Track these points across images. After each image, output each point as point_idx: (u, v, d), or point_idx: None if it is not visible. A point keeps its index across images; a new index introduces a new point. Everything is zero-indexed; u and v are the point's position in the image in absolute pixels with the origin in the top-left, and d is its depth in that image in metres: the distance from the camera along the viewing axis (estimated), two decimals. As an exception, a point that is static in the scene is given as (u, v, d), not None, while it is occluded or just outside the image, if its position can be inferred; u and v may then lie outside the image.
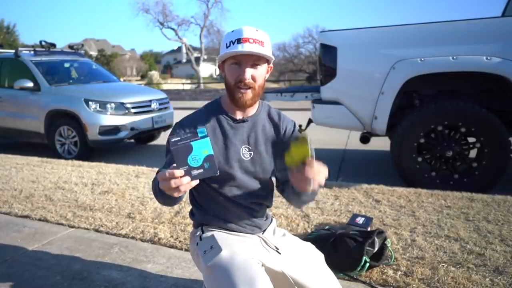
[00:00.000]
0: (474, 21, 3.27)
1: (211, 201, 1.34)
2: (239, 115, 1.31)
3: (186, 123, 1.30)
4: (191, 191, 1.41)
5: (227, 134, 1.29)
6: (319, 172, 1.08)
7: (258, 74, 1.23)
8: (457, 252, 2.11)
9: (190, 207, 1.44)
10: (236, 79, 1.21)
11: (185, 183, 1.00)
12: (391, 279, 1.86)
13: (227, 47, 1.20)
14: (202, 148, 1.01)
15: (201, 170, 1.02)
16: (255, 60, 1.21)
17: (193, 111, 1.37)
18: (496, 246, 2.17)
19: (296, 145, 1.07)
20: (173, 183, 1.00)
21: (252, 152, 1.31)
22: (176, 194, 1.03)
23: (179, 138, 1.01)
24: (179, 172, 0.99)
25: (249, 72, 1.20)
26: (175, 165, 1.02)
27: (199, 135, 1.02)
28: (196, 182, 1.03)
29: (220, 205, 1.33)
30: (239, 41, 1.18)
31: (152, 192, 1.25)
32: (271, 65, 1.30)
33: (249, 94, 1.23)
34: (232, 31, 1.23)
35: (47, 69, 5.93)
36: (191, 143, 1.01)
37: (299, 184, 1.11)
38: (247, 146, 1.31)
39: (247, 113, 1.32)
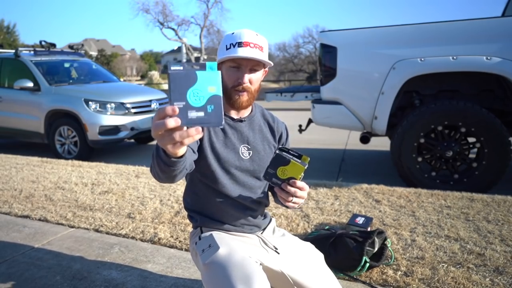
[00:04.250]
0: (474, 21, 3.27)
1: (208, 204, 1.34)
2: (235, 115, 1.32)
3: None
4: (185, 196, 1.41)
5: (227, 133, 1.30)
6: (302, 188, 1.12)
7: (255, 79, 1.25)
8: (457, 252, 2.11)
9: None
10: (234, 82, 1.23)
11: (175, 125, 0.73)
12: (391, 279, 1.86)
13: (226, 49, 1.21)
14: (209, 83, 0.75)
15: (201, 114, 0.74)
16: (254, 65, 1.23)
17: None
18: (496, 246, 2.17)
19: (295, 164, 1.08)
20: (162, 123, 0.73)
21: (251, 151, 1.32)
22: (170, 148, 0.79)
23: (182, 67, 0.75)
24: (170, 108, 0.73)
25: (247, 76, 1.22)
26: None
27: (208, 67, 0.76)
28: (198, 134, 0.77)
29: (218, 207, 1.33)
30: (239, 44, 1.19)
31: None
32: (266, 69, 1.32)
33: (245, 96, 1.25)
34: (232, 33, 1.24)
35: (47, 69, 5.93)
36: (196, 72, 0.75)
37: (280, 194, 1.14)
38: (246, 145, 1.32)
39: (242, 114, 1.33)
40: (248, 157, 1.32)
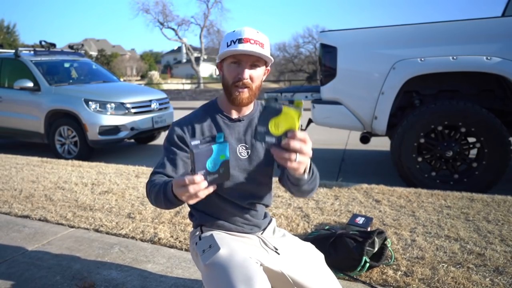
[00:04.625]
0: (474, 21, 3.27)
1: (208, 203, 1.33)
2: (235, 115, 1.32)
3: (183, 123, 1.31)
4: None
5: (224, 133, 1.29)
6: (304, 141, 0.94)
7: (256, 75, 1.24)
8: (457, 252, 2.11)
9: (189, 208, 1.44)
10: (235, 78, 1.22)
11: (203, 188, 0.96)
12: (391, 279, 1.86)
13: (227, 46, 1.21)
14: (221, 152, 0.99)
15: (216, 175, 0.99)
16: (255, 60, 1.22)
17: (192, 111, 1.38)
18: (496, 246, 2.17)
19: (288, 111, 0.92)
20: (192, 189, 0.95)
21: (249, 151, 1.32)
22: (191, 202, 1.00)
23: (198, 141, 0.98)
24: (199, 178, 0.95)
25: (247, 72, 1.22)
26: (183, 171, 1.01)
27: (218, 140, 1.00)
28: (214, 187, 1.00)
29: (218, 207, 1.33)
30: (240, 41, 1.19)
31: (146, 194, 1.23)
32: (268, 67, 1.31)
33: (246, 93, 1.24)
34: (233, 31, 1.24)
35: (47, 69, 5.94)
36: (212, 146, 0.98)
37: (280, 155, 0.96)
38: (244, 144, 1.32)
39: (243, 113, 1.33)
40: (246, 156, 1.32)
